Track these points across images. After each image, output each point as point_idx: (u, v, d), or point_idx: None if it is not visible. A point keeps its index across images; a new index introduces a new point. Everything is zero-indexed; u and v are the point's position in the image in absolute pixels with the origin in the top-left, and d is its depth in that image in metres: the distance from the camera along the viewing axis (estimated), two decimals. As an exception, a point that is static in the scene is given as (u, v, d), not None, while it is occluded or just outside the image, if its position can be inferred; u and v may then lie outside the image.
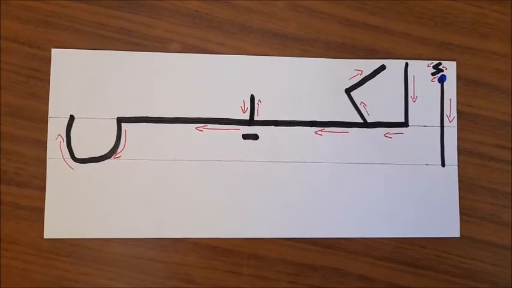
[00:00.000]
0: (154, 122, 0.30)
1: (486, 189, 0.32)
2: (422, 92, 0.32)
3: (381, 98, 0.32)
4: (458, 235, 0.31)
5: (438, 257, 0.31)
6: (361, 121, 0.31)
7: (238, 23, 0.31)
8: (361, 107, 0.31)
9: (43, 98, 0.30)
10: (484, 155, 0.32)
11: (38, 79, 0.30)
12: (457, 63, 0.32)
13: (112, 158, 0.30)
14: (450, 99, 0.32)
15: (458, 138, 0.32)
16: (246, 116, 0.31)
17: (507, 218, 0.32)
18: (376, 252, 0.31)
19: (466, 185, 0.32)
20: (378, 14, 0.32)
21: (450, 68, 0.32)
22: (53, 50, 0.30)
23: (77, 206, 0.29)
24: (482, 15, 0.33)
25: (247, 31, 0.31)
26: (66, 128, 0.30)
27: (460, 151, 0.32)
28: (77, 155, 0.30)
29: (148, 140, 0.30)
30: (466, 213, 0.31)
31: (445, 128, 0.32)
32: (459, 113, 0.32)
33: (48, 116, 0.30)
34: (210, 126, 0.30)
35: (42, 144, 0.30)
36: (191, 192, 0.30)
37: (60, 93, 0.30)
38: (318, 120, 0.31)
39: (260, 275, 0.30)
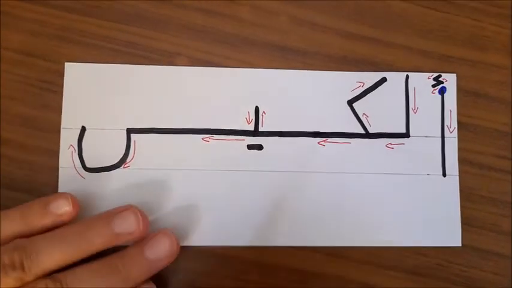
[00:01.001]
0: (162, 133, 0.30)
1: (486, 199, 0.32)
2: (423, 103, 0.32)
3: (383, 110, 0.32)
4: (460, 244, 0.31)
5: (440, 265, 0.31)
6: (363, 132, 0.32)
7: (242, 37, 0.32)
8: (363, 118, 0.32)
9: (56, 109, 0.30)
10: (484, 165, 0.32)
11: (51, 91, 0.31)
12: (456, 75, 0.32)
13: (121, 167, 0.30)
14: (450, 111, 0.32)
15: (459, 149, 0.32)
16: (251, 127, 0.31)
17: (507, 227, 0.32)
18: (378, 260, 0.31)
19: (466, 195, 0.32)
20: (379, 27, 0.33)
21: (450, 80, 0.32)
22: (66, 63, 0.31)
23: (87, 214, 0.29)
24: (481, 29, 0.33)
25: (251, 44, 0.32)
26: (78, 139, 0.30)
27: (461, 161, 0.32)
28: (87, 165, 0.30)
29: (156, 150, 0.30)
30: (466, 222, 0.31)
31: (445, 138, 0.32)
32: (459, 123, 0.32)
33: (61, 126, 0.30)
34: (216, 136, 0.31)
35: (55, 154, 0.30)
36: (197, 200, 0.30)
37: (73, 105, 0.30)
38: (321, 131, 0.31)
39: (265, 281, 0.30)
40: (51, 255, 0.25)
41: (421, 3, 0.33)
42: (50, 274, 0.26)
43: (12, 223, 0.26)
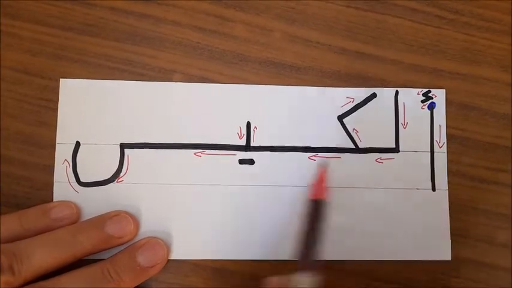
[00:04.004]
0: (155, 148, 0.30)
1: (479, 211, 0.31)
2: (413, 118, 0.31)
3: (373, 125, 0.31)
4: (449, 258, 0.30)
5: (435, 278, 0.30)
6: (354, 147, 0.31)
7: (237, 54, 0.31)
8: (353, 134, 0.31)
9: (52, 125, 0.30)
10: (476, 177, 0.31)
11: (49, 108, 0.30)
12: (448, 89, 0.31)
13: (115, 182, 0.29)
14: (440, 126, 0.31)
15: (451, 161, 0.31)
16: (243, 142, 0.30)
17: (501, 239, 0.30)
18: (372, 273, 0.30)
19: (459, 207, 0.30)
20: (371, 43, 0.32)
21: (439, 96, 0.31)
22: (61, 79, 0.30)
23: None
24: (472, 43, 0.32)
25: (245, 61, 0.31)
26: (72, 154, 0.29)
27: (453, 174, 0.31)
28: (82, 179, 0.29)
29: (149, 165, 0.30)
30: (460, 234, 0.30)
31: (435, 153, 0.31)
32: (451, 136, 0.31)
33: (56, 142, 0.30)
34: (207, 151, 0.30)
35: (50, 169, 0.29)
36: (190, 214, 0.29)
37: (67, 120, 0.30)
38: (312, 146, 0.30)
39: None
40: (43, 257, 0.25)
41: (413, 19, 0.32)
42: (40, 277, 0.25)
43: (10, 225, 0.26)
